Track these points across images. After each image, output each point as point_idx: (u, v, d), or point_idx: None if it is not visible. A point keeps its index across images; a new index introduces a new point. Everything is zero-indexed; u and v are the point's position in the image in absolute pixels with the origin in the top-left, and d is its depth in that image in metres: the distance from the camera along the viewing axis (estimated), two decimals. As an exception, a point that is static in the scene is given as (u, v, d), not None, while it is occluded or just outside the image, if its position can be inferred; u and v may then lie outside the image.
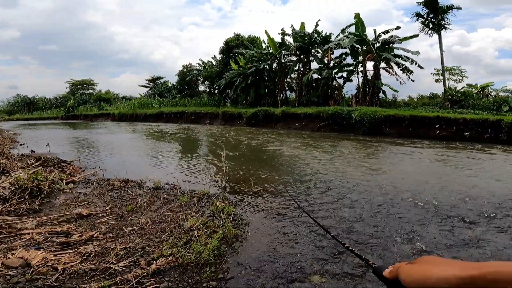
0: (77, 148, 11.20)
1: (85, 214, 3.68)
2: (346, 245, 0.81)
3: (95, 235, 3.09)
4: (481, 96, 18.16)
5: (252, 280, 2.47)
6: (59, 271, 2.40)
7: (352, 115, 14.64)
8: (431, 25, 19.49)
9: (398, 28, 18.49)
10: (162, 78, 43.63)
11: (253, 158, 8.57)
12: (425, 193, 4.80)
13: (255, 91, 24.45)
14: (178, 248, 2.81)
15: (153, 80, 43.62)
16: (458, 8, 19.01)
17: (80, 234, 3.10)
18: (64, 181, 5.20)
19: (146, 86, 43.91)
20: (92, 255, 2.69)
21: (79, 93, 51.37)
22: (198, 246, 2.80)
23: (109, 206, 4.07)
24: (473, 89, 18.79)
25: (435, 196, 4.60)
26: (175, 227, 3.35)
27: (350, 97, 20.91)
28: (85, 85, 53.60)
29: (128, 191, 4.85)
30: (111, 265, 2.50)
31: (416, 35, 19.22)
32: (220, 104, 28.38)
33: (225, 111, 23.14)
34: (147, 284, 2.30)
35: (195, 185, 5.41)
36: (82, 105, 44.83)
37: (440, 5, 18.88)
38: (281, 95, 24.46)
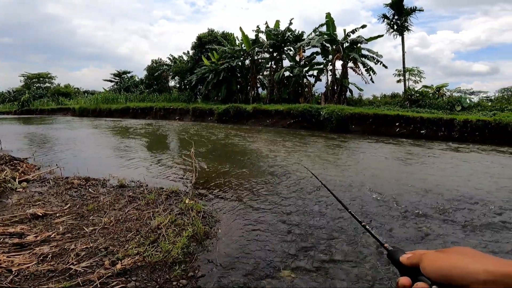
0: (32, 144, 10.33)
1: (40, 214, 3.41)
2: (363, 223, 0.76)
3: (52, 236, 2.87)
4: (437, 96, 19.55)
5: (223, 277, 2.45)
6: (13, 273, 2.24)
7: (321, 112, 15.08)
8: (395, 27, 20.58)
9: (364, 26, 18.93)
10: (129, 72, 41.49)
11: (223, 155, 8.50)
12: (379, 185, 5.09)
13: (226, 88, 24.21)
14: (145, 247, 2.71)
15: (119, 75, 41.32)
16: (420, 10, 20.25)
17: (35, 235, 2.87)
18: (17, 180, 4.78)
19: (111, 81, 41.49)
20: (50, 256, 2.51)
21: (34, 87, 47.33)
22: (166, 245, 2.72)
23: (68, 205, 3.81)
24: (429, 89, 20.16)
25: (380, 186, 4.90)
26: (142, 225, 3.22)
27: (320, 95, 21.50)
28: (41, 79, 49.42)
29: (89, 189, 4.57)
30: (71, 266, 2.35)
31: (381, 35, 20.12)
32: (191, 100, 27.74)
33: (195, 107, 22.67)
34: (112, 284, 2.19)
35: (163, 183, 5.23)
36: (38, 100, 41.34)
37: (405, 7, 19.99)
38: (252, 92, 24.47)
